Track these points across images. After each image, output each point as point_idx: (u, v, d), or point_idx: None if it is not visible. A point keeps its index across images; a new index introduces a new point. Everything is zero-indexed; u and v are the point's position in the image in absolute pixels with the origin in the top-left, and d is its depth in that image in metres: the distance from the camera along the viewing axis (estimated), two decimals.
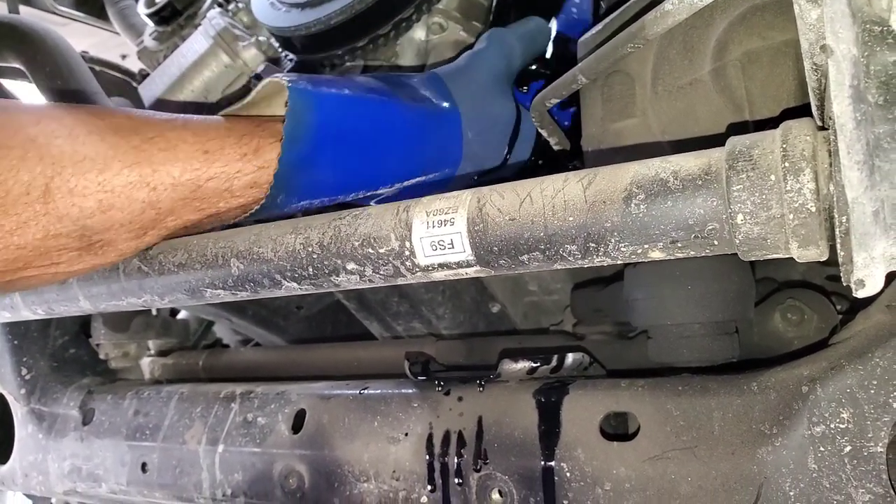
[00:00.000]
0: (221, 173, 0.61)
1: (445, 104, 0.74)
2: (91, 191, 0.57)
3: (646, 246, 0.47)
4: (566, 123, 0.84)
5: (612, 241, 0.47)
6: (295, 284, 0.60)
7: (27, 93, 1.13)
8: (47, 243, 0.57)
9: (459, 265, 0.53)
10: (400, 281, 0.57)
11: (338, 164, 0.67)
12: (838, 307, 0.79)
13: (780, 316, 0.79)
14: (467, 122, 0.76)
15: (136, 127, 0.61)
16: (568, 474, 0.63)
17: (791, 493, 0.54)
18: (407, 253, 0.54)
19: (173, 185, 0.60)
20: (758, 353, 0.78)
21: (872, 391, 0.52)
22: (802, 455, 0.54)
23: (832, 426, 0.53)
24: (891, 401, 0.52)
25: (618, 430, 0.68)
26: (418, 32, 0.92)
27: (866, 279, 0.40)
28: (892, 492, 0.51)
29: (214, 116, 0.66)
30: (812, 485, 0.53)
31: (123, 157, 0.58)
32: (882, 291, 0.59)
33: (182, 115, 0.65)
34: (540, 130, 0.79)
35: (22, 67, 0.93)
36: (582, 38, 0.71)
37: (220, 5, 1.09)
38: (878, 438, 0.52)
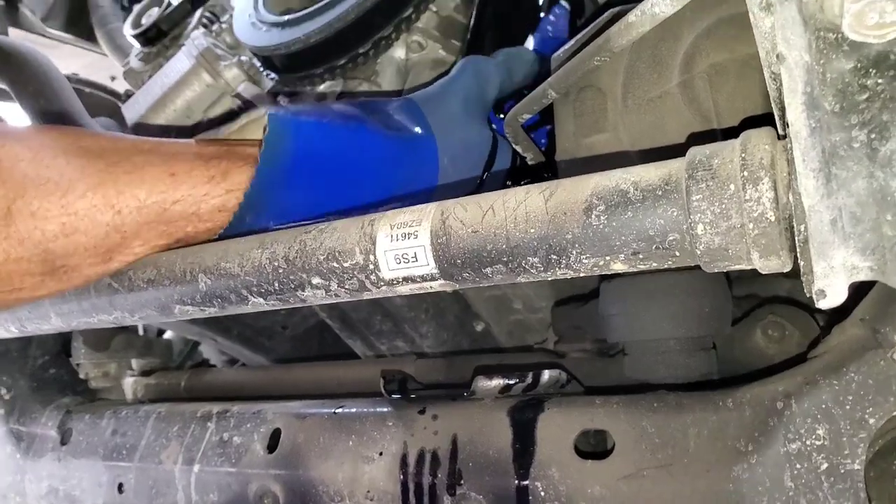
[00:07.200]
0: (188, 196, 0.61)
1: (421, 130, 0.74)
2: (54, 214, 0.57)
3: (607, 258, 0.46)
4: (543, 142, 0.84)
5: (574, 252, 0.46)
6: (261, 300, 0.59)
7: (12, 112, 1.13)
8: (8, 267, 0.57)
9: (423, 278, 0.52)
10: (366, 295, 0.56)
11: (310, 188, 0.67)
12: (821, 323, 0.78)
13: (761, 332, 0.78)
14: (443, 149, 0.75)
15: (103, 150, 0.61)
16: (542, 493, 0.61)
17: None
18: (371, 266, 0.53)
19: (138, 207, 0.60)
20: (739, 369, 0.77)
21: (848, 407, 0.51)
22: (779, 472, 0.53)
23: (808, 443, 0.52)
24: (867, 417, 0.51)
25: (596, 447, 0.66)
26: (398, 51, 0.92)
27: (827, 289, 0.40)
28: None
29: (185, 140, 0.66)
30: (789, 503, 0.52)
31: (88, 179, 0.58)
32: (857, 305, 0.59)
33: (153, 138, 0.65)
34: (514, 146, 0.79)
35: (6, 87, 0.93)
36: (555, 54, 0.71)
37: (204, 26, 1.10)
38: (854, 455, 0.51)
